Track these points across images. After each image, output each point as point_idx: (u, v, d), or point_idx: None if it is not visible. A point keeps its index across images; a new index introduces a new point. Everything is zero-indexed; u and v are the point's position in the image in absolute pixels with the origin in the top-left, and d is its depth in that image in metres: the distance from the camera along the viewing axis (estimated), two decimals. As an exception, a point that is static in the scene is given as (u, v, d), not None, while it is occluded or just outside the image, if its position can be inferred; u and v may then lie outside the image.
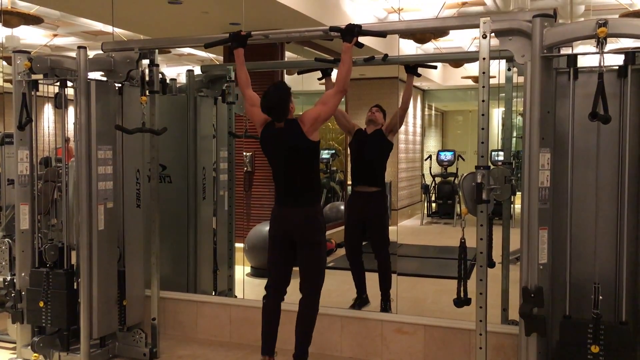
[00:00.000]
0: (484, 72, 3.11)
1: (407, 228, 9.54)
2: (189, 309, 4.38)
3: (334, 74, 4.42)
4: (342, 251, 7.02)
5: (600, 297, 2.77)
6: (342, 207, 7.87)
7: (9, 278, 4.00)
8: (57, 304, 3.70)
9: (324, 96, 3.45)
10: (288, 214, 3.42)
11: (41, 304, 3.71)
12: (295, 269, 3.51)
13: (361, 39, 3.40)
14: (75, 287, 3.76)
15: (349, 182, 4.85)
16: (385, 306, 4.51)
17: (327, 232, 6.90)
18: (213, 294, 4.95)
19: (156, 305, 4.03)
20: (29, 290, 3.78)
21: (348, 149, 4.85)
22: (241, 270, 5.40)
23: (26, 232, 3.85)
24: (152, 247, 4.03)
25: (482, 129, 3.13)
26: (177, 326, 4.39)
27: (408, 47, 7.99)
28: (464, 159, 10.32)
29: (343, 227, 7.52)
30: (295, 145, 3.36)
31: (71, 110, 3.87)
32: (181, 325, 4.39)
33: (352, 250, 4.73)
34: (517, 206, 3.22)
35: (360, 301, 4.64)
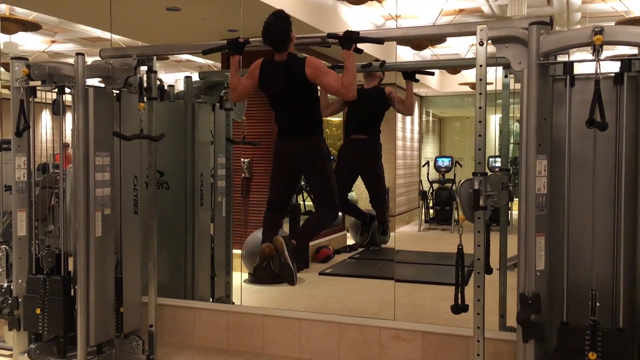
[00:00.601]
0: (480, 79, 3.12)
1: (405, 234, 9.54)
2: (186, 316, 4.37)
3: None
4: (340, 257, 7.03)
5: (598, 304, 2.77)
6: (340, 214, 7.86)
7: (5, 285, 3.99)
8: (54, 310, 3.69)
9: (338, 78, 3.42)
10: (292, 144, 3.46)
11: (38, 310, 3.70)
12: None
13: (359, 46, 3.42)
14: (72, 293, 3.75)
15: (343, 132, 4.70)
16: (384, 228, 4.47)
17: (325, 238, 6.93)
18: (210, 300, 4.94)
19: (154, 311, 4.02)
20: (26, 297, 3.77)
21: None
22: (239, 277, 5.40)
23: (23, 239, 3.84)
24: (149, 254, 4.02)
25: (479, 135, 3.14)
26: (175, 333, 4.38)
27: (405, 54, 8.02)
28: (461, 165, 10.32)
29: (341, 234, 7.55)
30: (296, 79, 3.39)
31: (69, 116, 3.87)
32: (179, 332, 4.38)
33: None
34: (515, 212, 3.23)
35: (367, 224, 4.57)
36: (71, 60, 3.73)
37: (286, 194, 3.59)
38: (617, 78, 2.90)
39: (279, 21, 3.40)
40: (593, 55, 2.76)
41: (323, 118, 3.89)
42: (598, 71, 2.73)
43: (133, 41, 7.48)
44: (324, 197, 3.51)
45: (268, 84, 3.48)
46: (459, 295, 3.32)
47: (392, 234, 7.23)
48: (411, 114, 4.55)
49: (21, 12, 6.79)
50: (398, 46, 6.60)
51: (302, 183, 4.60)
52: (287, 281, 3.32)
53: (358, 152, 4.45)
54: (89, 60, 3.81)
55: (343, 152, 4.70)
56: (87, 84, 3.70)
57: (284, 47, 3.40)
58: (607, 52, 2.85)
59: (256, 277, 3.38)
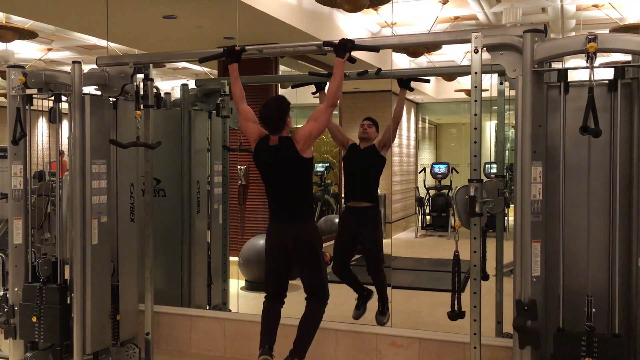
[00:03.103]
0: (476, 86, 3.14)
1: (402, 241, 9.55)
2: (183, 324, 4.36)
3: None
4: (336, 264, 7.03)
5: (594, 310, 2.78)
6: (337, 220, 7.88)
7: (1, 293, 3.98)
8: (50, 319, 3.68)
9: (315, 112, 3.47)
10: (284, 231, 3.44)
11: (34, 319, 3.69)
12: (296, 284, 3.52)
13: (355, 53, 3.44)
14: (68, 302, 3.74)
15: (343, 196, 4.80)
16: (383, 308, 4.48)
17: (322, 245, 6.90)
18: (207, 308, 4.94)
19: (150, 319, 4.01)
20: (22, 305, 3.76)
21: (342, 162, 4.81)
22: (235, 284, 5.39)
23: (19, 247, 3.83)
24: (146, 261, 4.02)
25: (475, 142, 3.15)
26: (171, 341, 4.37)
27: (401, 61, 8.05)
28: (457, 172, 10.36)
29: (337, 241, 7.52)
30: (289, 163, 3.38)
31: (65, 124, 3.87)
32: (175, 340, 4.37)
33: (338, 264, 4.62)
34: (511, 219, 3.25)
35: (363, 299, 4.60)
36: (68, 68, 3.74)
37: (283, 281, 3.55)
38: (611, 85, 2.93)
39: (279, 104, 3.44)
40: (587, 62, 2.78)
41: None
42: (592, 78, 2.75)
43: (130, 49, 7.50)
44: (314, 288, 3.50)
45: (261, 165, 3.50)
46: (456, 301, 3.33)
47: (388, 240, 7.21)
48: (398, 121, 4.55)
49: (18, 20, 6.80)
50: (394, 53, 6.64)
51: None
52: None
53: (358, 221, 4.50)
54: (86, 68, 3.82)
55: (344, 219, 4.77)
56: (83, 91, 3.71)
57: (278, 129, 3.39)
58: (601, 59, 2.87)
59: None
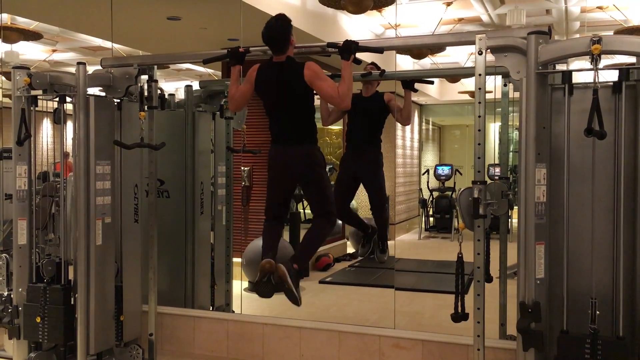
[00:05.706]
0: (479, 88, 3.14)
1: (405, 242, 9.53)
2: (186, 324, 4.36)
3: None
4: (340, 265, 7.03)
5: (598, 312, 2.78)
6: (340, 222, 7.87)
7: (6, 293, 3.99)
8: (54, 319, 3.69)
9: (334, 83, 3.42)
10: (286, 152, 3.44)
11: (38, 319, 3.70)
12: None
13: (359, 55, 3.44)
14: (72, 302, 3.75)
15: (345, 142, 4.69)
16: (383, 246, 4.48)
17: (324, 247, 6.93)
18: (210, 309, 4.94)
19: (153, 320, 4.02)
20: (26, 305, 3.77)
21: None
22: (239, 285, 5.39)
23: (24, 247, 3.85)
24: (150, 262, 4.03)
25: (479, 144, 3.15)
26: (175, 341, 4.38)
27: (405, 63, 8.05)
28: (461, 173, 10.33)
29: (341, 242, 7.55)
30: (294, 81, 3.37)
31: (70, 125, 3.88)
32: (178, 341, 4.37)
33: (339, 206, 4.43)
34: (515, 221, 3.25)
35: (368, 236, 4.60)
36: (72, 70, 3.75)
37: (283, 203, 3.58)
38: (616, 87, 2.92)
39: (280, 22, 3.43)
40: (591, 64, 2.78)
41: (324, 127, 3.90)
42: (596, 80, 2.75)
43: (134, 50, 7.51)
44: (320, 207, 3.50)
45: (264, 86, 3.46)
46: (459, 303, 3.32)
47: (391, 242, 7.18)
48: (408, 123, 4.56)
49: (22, 22, 6.82)
50: (397, 55, 6.63)
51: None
52: (294, 304, 3.36)
53: (360, 162, 4.48)
54: (90, 69, 3.83)
55: (345, 161, 4.72)
56: (88, 93, 3.72)
57: (283, 48, 3.39)
58: (606, 60, 2.87)
59: (258, 292, 3.41)
